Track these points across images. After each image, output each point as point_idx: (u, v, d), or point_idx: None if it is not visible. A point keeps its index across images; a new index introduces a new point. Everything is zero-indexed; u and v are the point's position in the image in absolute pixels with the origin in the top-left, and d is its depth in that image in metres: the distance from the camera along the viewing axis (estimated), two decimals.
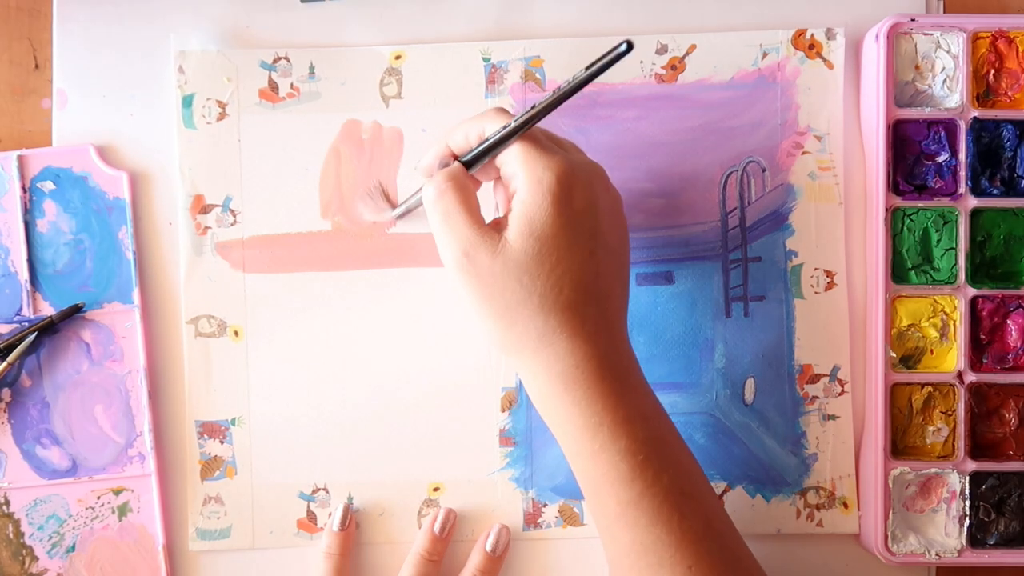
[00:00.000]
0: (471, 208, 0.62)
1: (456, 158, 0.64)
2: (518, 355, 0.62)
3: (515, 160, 0.61)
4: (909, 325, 0.74)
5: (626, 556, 0.61)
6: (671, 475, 0.60)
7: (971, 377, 0.74)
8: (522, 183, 0.60)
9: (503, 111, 0.63)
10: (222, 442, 0.76)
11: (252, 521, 0.76)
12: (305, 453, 0.76)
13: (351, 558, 0.75)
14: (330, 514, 0.76)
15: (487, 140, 0.62)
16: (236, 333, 0.76)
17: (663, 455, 0.61)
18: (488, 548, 0.74)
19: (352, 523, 0.75)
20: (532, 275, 0.59)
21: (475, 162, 0.63)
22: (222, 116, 0.76)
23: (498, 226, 0.61)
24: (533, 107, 0.61)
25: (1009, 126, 0.74)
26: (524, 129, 0.61)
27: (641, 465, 0.60)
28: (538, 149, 0.60)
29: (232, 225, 0.76)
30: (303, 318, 0.76)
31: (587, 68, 0.61)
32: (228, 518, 0.76)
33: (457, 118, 0.75)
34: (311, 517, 0.76)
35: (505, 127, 0.61)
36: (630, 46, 0.58)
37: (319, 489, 0.76)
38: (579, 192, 0.60)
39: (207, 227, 0.76)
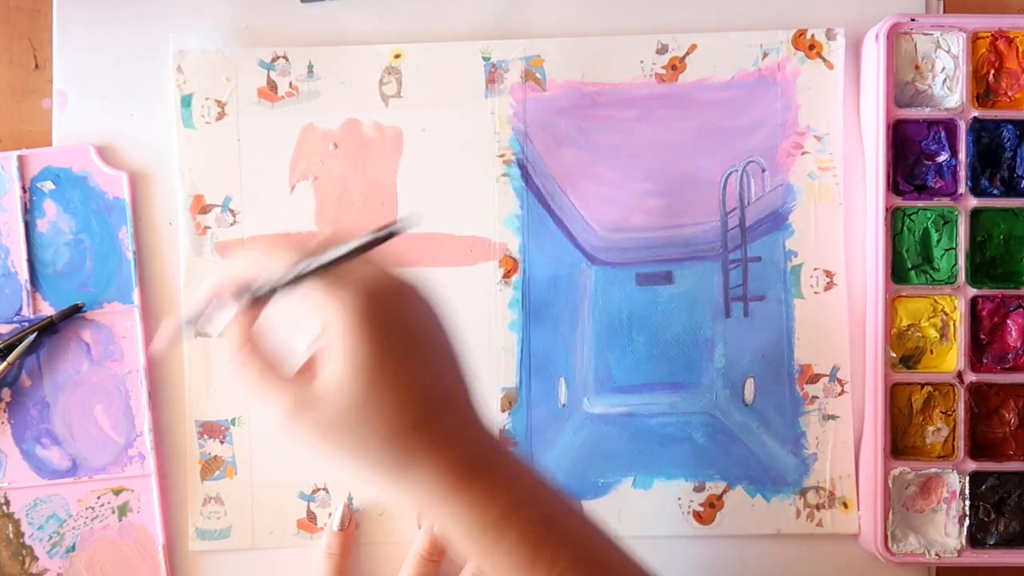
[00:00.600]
0: (270, 364, 0.57)
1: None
2: (383, 482, 0.59)
3: (318, 295, 0.56)
4: (909, 325, 0.74)
5: None
6: (571, 549, 0.58)
7: (971, 377, 0.74)
8: (332, 318, 0.55)
9: (282, 246, 0.58)
10: (222, 442, 0.76)
11: (252, 521, 0.76)
12: (305, 453, 0.76)
13: (351, 558, 0.75)
14: (330, 514, 0.76)
15: (288, 278, 0.57)
16: None
17: (559, 531, 0.58)
18: None
19: (352, 523, 0.75)
20: (368, 410, 0.56)
21: (259, 303, 0.58)
22: (221, 116, 0.76)
23: (310, 372, 0.57)
24: (305, 267, 0.56)
25: (1009, 126, 0.74)
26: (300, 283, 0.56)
27: (537, 549, 0.57)
28: (340, 281, 0.56)
29: (232, 225, 0.76)
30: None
31: (361, 240, 0.56)
32: (228, 518, 0.76)
33: (457, 117, 0.76)
34: (311, 517, 0.76)
35: (288, 277, 0.56)
36: (394, 233, 0.55)
37: (319, 489, 0.76)
38: (390, 310, 0.56)
39: (207, 227, 0.76)
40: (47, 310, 0.75)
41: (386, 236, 0.55)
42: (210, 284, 0.59)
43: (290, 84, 0.76)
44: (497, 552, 0.58)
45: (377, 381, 0.55)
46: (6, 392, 0.75)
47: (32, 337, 0.74)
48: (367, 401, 0.55)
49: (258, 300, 0.58)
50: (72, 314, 0.75)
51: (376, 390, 0.55)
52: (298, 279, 0.56)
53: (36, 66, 0.77)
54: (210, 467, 0.76)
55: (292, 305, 0.57)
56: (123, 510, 0.75)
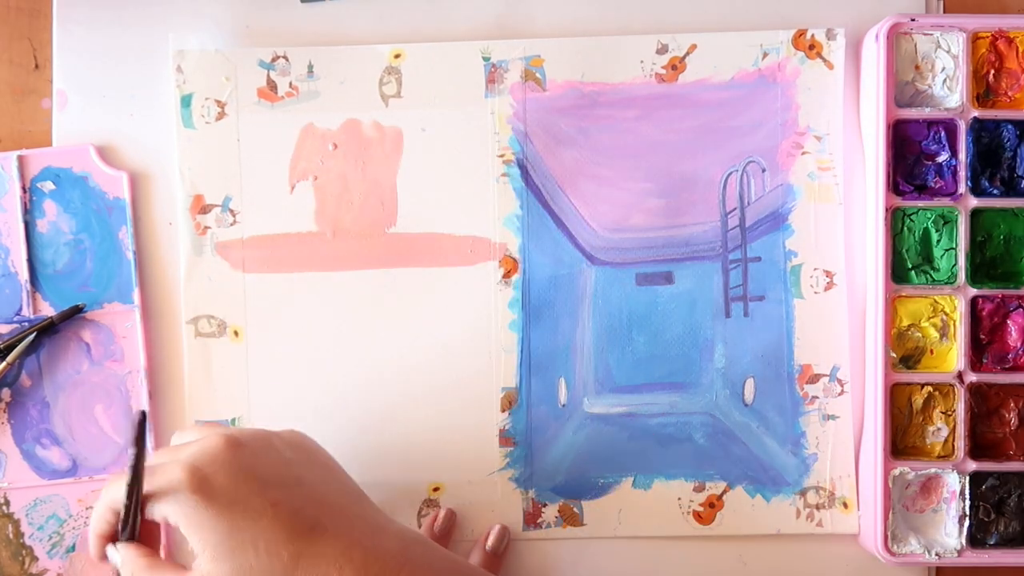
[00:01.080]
0: (170, 564, 0.60)
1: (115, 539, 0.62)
2: None
3: (158, 508, 0.59)
4: (909, 325, 0.74)
5: None
6: None
7: (971, 377, 0.74)
8: (174, 515, 0.58)
9: (118, 474, 0.62)
10: None
11: None
12: None
13: None
14: None
15: (127, 507, 0.59)
16: (236, 333, 0.76)
17: None
18: (488, 548, 0.74)
19: None
20: (250, 571, 0.57)
21: (134, 533, 0.61)
22: (221, 116, 0.76)
23: (194, 564, 0.58)
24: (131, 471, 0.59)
25: (1009, 126, 0.74)
26: (137, 487, 0.59)
27: None
28: (163, 482, 0.58)
29: (232, 225, 0.76)
30: (303, 318, 0.76)
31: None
32: None
33: (457, 117, 0.76)
34: None
35: (124, 500, 0.59)
36: (144, 416, 0.59)
37: None
38: (217, 476, 0.58)
39: (207, 227, 0.76)
40: (47, 310, 0.75)
41: (140, 424, 0.60)
42: (92, 540, 0.62)
43: (290, 84, 0.76)
44: None
45: (238, 547, 0.57)
46: (6, 392, 0.75)
47: (32, 337, 0.74)
48: (239, 573, 0.57)
49: (130, 537, 0.61)
50: (72, 315, 0.75)
51: (243, 554, 0.57)
52: (131, 504, 0.59)
53: (36, 66, 0.77)
54: None
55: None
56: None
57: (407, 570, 0.59)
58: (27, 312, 0.75)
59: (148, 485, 0.59)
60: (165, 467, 0.59)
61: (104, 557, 0.62)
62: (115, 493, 0.60)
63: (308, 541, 0.58)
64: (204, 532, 0.57)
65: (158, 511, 0.58)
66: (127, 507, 0.59)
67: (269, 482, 0.59)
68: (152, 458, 0.62)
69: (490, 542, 0.75)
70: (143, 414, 0.59)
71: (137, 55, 0.77)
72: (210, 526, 0.57)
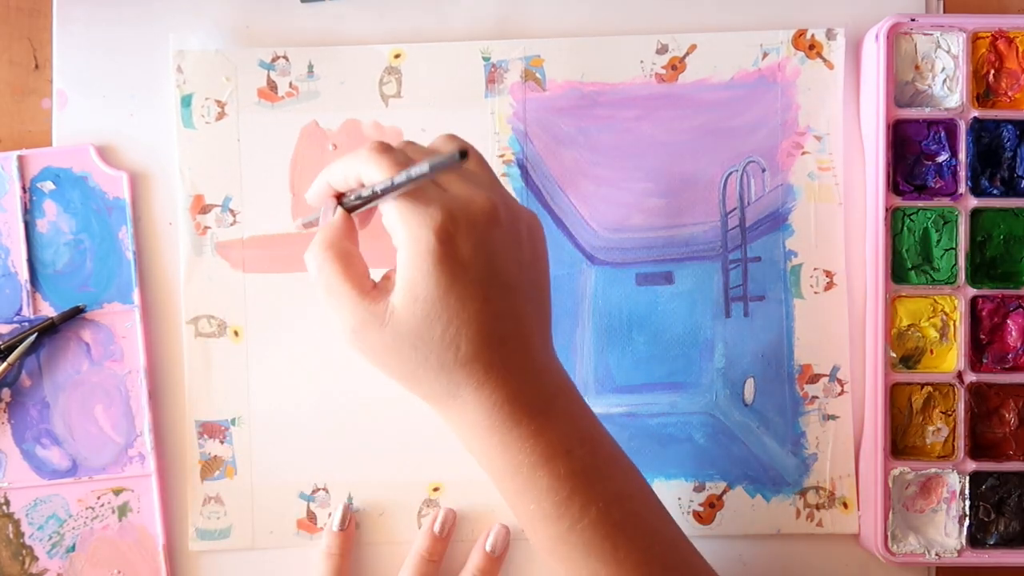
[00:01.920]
0: (354, 275, 0.58)
1: (339, 198, 0.61)
2: (432, 406, 0.61)
3: (393, 215, 0.57)
4: (909, 325, 0.74)
5: None
6: (600, 507, 0.59)
7: (971, 377, 0.74)
8: (401, 242, 0.56)
9: (385, 150, 0.58)
10: (222, 442, 0.76)
11: (252, 521, 0.76)
12: (305, 453, 0.76)
13: (351, 558, 0.75)
14: (330, 514, 0.76)
15: (366, 193, 0.58)
16: (236, 333, 0.76)
17: (590, 487, 0.59)
18: (488, 548, 0.74)
19: (352, 523, 0.75)
20: (424, 339, 0.57)
21: (354, 210, 0.60)
22: (221, 116, 0.76)
23: (385, 288, 0.58)
24: (408, 176, 0.55)
25: (1009, 126, 0.74)
26: (402, 189, 0.56)
27: (565, 502, 0.59)
28: (415, 204, 0.56)
29: (232, 225, 0.76)
30: (303, 318, 0.76)
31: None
32: (228, 518, 0.76)
33: (457, 117, 0.76)
34: (311, 517, 0.76)
35: (383, 186, 0.56)
36: (464, 155, 0.54)
37: (319, 489, 0.76)
38: (463, 241, 0.56)
39: (207, 227, 0.76)
40: (47, 310, 0.75)
41: (454, 163, 0.54)
42: (321, 183, 0.61)
43: (290, 84, 0.76)
44: (523, 497, 0.59)
45: (432, 316, 0.56)
46: (6, 392, 0.75)
47: (32, 338, 0.74)
48: (421, 333, 0.56)
49: (351, 208, 0.60)
50: (73, 315, 0.75)
51: (430, 324, 0.56)
52: (383, 193, 0.56)
53: (36, 66, 0.77)
54: (210, 467, 0.76)
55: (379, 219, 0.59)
56: (123, 510, 0.75)
57: (541, 418, 0.58)
58: (27, 312, 0.75)
59: (402, 193, 0.56)
60: (430, 188, 0.57)
61: (319, 201, 0.62)
62: (375, 171, 0.57)
63: (486, 349, 0.57)
64: (419, 277, 0.56)
65: (391, 219, 0.57)
66: (372, 194, 0.57)
67: (497, 277, 0.57)
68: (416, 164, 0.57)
69: (489, 542, 0.75)
70: (465, 154, 0.54)
71: (137, 55, 0.77)
72: (428, 278, 0.56)
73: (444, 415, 0.61)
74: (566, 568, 0.60)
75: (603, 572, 0.59)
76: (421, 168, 0.53)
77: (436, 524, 0.75)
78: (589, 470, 0.59)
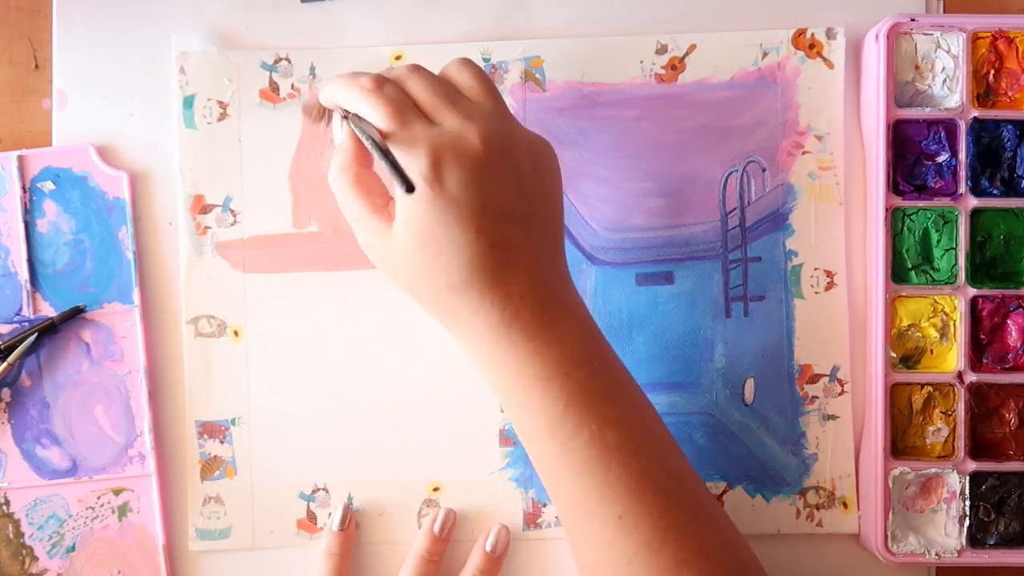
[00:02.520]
0: (366, 194, 0.63)
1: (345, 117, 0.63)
2: (440, 322, 0.64)
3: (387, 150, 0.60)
4: (909, 325, 0.74)
5: (561, 506, 0.63)
6: (593, 428, 0.60)
7: (971, 377, 0.74)
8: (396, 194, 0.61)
9: (378, 88, 0.62)
10: (222, 442, 0.76)
11: (252, 521, 0.76)
12: (305, 453, 0.76)
13: (351, 558, 0.75)
14: (330, 514, 0.76)
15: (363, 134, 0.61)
16: (236, 333, 0.76)
17: (586, 408, 0.61)
18: (488, 548, 0.74)
19: (352, 523, 0.75)
20: (422, 263, 0.60)
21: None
22: (223, 116, 0.76)
23: (390, 212, 0.62)
24: (380, 150, 0.59)
25: (1009, 126, 0.74)
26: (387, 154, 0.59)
27: (559, 420, 0.60)
28: (404, 148, 0.60)
29: (232, 225, 0.76)
30: (303, 318, 0.76)
31: None
32: (228, 518, 0.76)
33: None
34: (311, 517, 0.76)
35: (368, 142, 0.60)
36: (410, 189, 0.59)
37: (319, 489, 0.76)
38: (450, 178, 0.59)
39: (207, 227, 0.76)
40: (47, 310, 0.75)
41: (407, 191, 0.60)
42: (325, 97, 0.65)
43: (292, 86, 0.76)
44: (520, 413, 0.62)
45: (425, 244, 0.60)
46: (6, 392, 0.75)
47: (32, 338, 0.74)
48: (422, 256, 0.60)
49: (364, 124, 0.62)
50: (73, 316, 0.75)
51: (424, 251, 0.60)
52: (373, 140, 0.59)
53: (36, 66, 0.77)
54: (210, 467, 0.76)
55: None
56: (123, 510, 0.75)
57: (538, 340, 0.61)
58: (27, 312, 0.75)
59: (395, 132, 0.60)
60: (415, 129, 0.60)
61: (318, 108, 0.68)
62: (367, 112, 0.61)
63: (479, 277, 0.60)
64: (409, 210, 0.60)
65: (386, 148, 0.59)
66: (362, 132, 0.60)
67: (489, 208, 0.60)
68: (421, 82, 0.63)
69: (489, 542, 0.75)
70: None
71: (137, 55, 0.77)
72: (416, 211, 0.59)
73: (450, 332, 0.64)
74: (561, 488, 0.62)
75: (595, 493, 0.60)
76: (389, 161, 0.58)
77: (436, 524, 0.75)
78: (586, 392, 0.61)
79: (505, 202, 0.61)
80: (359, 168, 0.63)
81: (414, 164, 0.59)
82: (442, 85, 0.63)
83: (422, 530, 0.75)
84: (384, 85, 0.62)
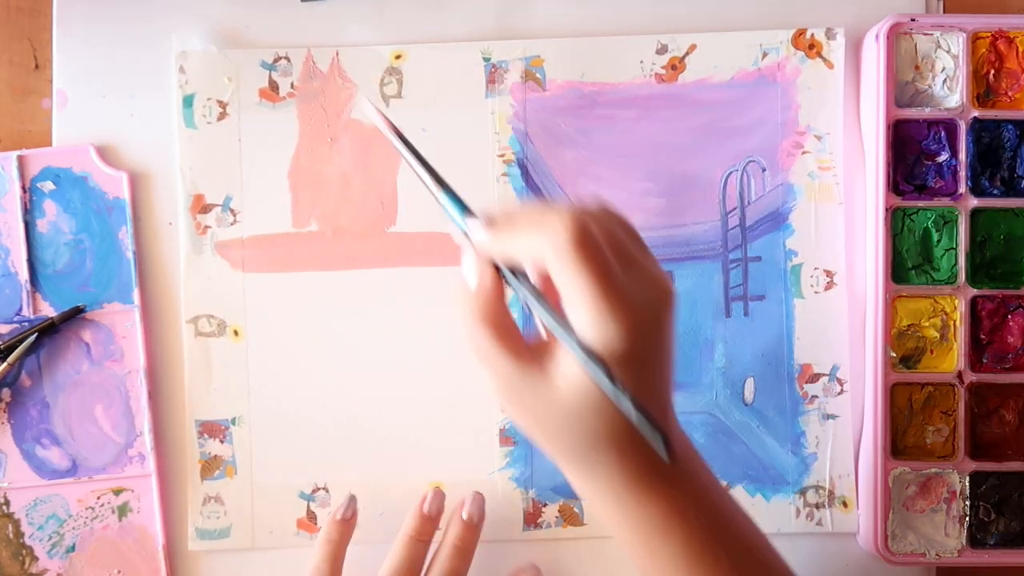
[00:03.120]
0: (508, 341, 0.55)
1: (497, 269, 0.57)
2: (566, 472, 0.59)
3: (576, 309, 0.53)
4: (909, 325, 0.74)
5: None
6: (732, 558, 0.59)
7: (971, 377, 0.74)
8: (578, 334, 0.53)
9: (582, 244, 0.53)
10: (222, 442, 0.76)
11: (252, 521, 0.76)
12: (305, 453, 0.76)
13: (346, 547, 0.75)
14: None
15: (541, 313, 0.54)
16: (236, 333, 0.76)
17: (719, 542, 0.59)
18: (464, 517, 0.73)
19: (355, 515, 0.75)
20: (584, 420, 0.54)
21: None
22: (223, 116, 0.76)
23: (541, 353, 0.55)
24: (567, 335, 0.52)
25: (1009, 126, 0.74)
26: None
27: (697, 557, 0.58)
28: (601, 315, 0.52)
29: (232, 225, 0.76)
30: (303, 318, 0.76)
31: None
32: (228, 518, 0.76)
33: (458, 117, 0.76)
34: (311, 517, 0.76)
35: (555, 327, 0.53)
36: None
37: (319, 489, 0.76)
38: (643, 344, 0.53)
39: (207, 227, 0.76)
40: (47, 310, 0.75)
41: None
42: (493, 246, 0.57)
43: (292, 85, 0.76)
44: (661, 554, 0.58)
45: (600, 406, 0.53)
46: (6, 392, 0.75)
47: (32, 338, 0.74)
48: (581, 416, 0.54)
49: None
50: (73, 316, 0.75)
51: (594, 412, 0.54)
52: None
53: (36, 66, 0.77)
54: (210, 467, 0.76)
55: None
56: (123, 510, 0.75)
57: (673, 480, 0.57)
58: (27, 312, 0.75)
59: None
60: (612, 294, 0.52)
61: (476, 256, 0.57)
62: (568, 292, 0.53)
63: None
64: (595, 380, 0.52)
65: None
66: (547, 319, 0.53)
67: (664, 360, 0.55)
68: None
69: (466, 511, 0.74)
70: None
71: (137, 55, 0.77)
72: (603, 379, 0.52)
73: (578, 481, 0.58)
74: None
75: None
76: (578, 351, 0.52)
77: (425, 504, 0.74)
78: (720, 520, 0.59)
79: (671, 351, 0.56)
80: (499, 310, 0.56)
81: (610, 343, 0.52)
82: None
83: (411, 510, 0.74)
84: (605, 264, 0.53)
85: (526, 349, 0.55)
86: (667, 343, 0.56)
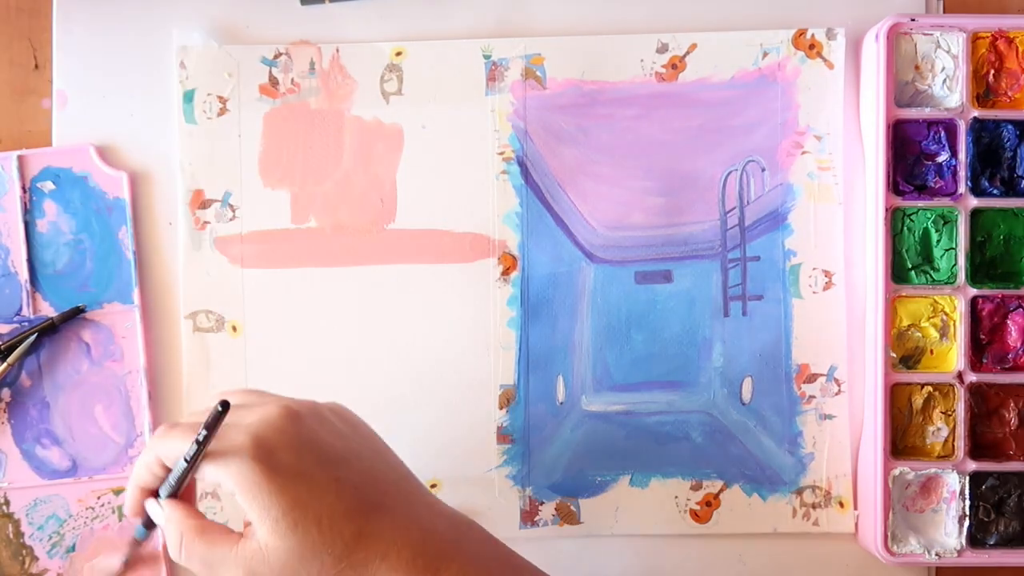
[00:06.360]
0: (219, 539, 0.57)
1: (156, 494, 0.60)
2: None
3: (214, 476, 0.57)
4: (909, 325, 0.74)
5: None
6: None
7: (971, 377, 0.73)
8: (232, 489, 0.56)
9: (171, 426, 0.59)
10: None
11: None
12: None
13: None
14: None
15: (178, 469, 0.58)
16: (234, 328, 0.76)
17: None
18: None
19: None
20: (308, 550, 0.55)
21: (176, 492, 0.59)
22: (223, 111, 0.77)
23: (251, 531, 0.57)
24: (196, 440, 0.56)
25: (1009, 126, 0.73)
26: (203, 450, 0.57)
27: None
28: (222, 458, 0.56)
29: (231, 220, 0.77)
30: (301, 314, 0.76)
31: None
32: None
33: (458, 115, 0.76)
34: None
35: (189, 454, 0.57)
36: (225, 406, 0.56)
37: None
38: (281, 454, 0.56)
39: (206, 222, 0.76)
40: (47, 310, 0.76)
41: (220, 414, 0.56)
42: (132, 491, 0.61)
43: (292, 81, 0.76)
44: None
45: (300, 526, 0.55)
46: (6, 392, 0.75)
47: (32, 338, 0.74)
48: (299, 549, 0.55)
49: (173, 493, 0.59)
50: (73, 316, 0.75)
51: (304, 535, 0.55)
52: (192, 461, 0.57)
53: (36, 66, 0.77)
54: None
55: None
56: (123, 510, 0.76)
57: (461, 558, 0.58)
58: (27, 312, 0.76)
59: (207, 456, 0.57)
60: (227, 431, 0.57)
61: (140, 512, 0.61)
62: (169, 447, 0.58)
63: (368, 519, 0.56)
64: (265, 502, 0.55)
65: (212, 474, 0.57)
66: (186, 468, 0.57)
67: (330, 457, 0.58)
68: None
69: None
70: (226, 404, 0.56)
71: (137, 55, 0.77)
72: (271, 498, 0.55)
73: None
74: None
75: None
76: (201, 432, 0.56)
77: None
78: None
79: (336, 447, 0.59)
80: (195, 522, 0.59)
81: (235, 465, 0.56)
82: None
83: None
84: (174, 425, 0.60)
85: (235, 536, 0.57)
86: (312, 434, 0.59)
